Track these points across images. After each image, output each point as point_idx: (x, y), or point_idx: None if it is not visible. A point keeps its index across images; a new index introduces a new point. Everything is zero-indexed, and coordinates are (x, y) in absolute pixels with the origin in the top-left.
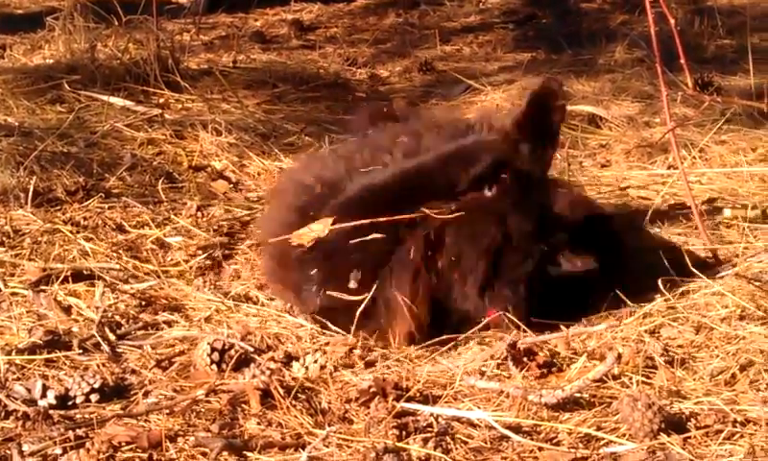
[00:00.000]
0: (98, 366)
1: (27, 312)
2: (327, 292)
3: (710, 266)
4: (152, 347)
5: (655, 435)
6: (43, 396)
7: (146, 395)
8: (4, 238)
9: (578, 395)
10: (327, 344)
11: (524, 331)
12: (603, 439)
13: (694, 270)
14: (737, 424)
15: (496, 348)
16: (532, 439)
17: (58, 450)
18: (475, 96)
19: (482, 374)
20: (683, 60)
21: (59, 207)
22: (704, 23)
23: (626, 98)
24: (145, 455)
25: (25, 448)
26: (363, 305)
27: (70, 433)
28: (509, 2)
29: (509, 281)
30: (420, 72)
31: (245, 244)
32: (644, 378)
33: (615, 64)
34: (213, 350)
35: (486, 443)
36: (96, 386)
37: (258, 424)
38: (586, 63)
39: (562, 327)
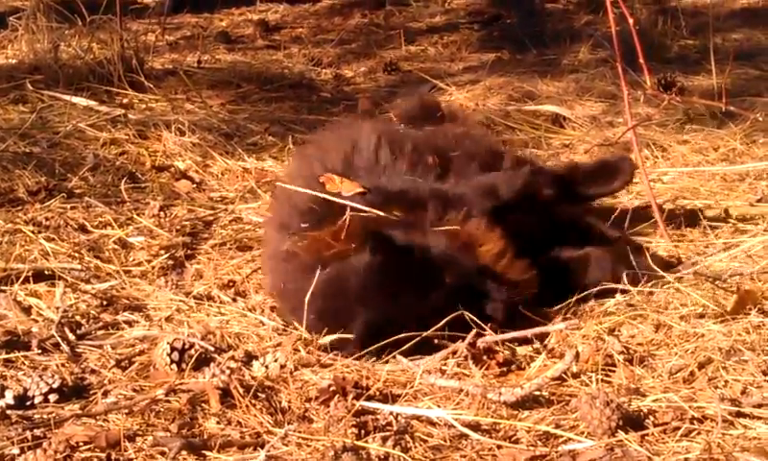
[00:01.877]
0: (57, 366)
1: None
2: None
3: (671, 264)
4: (112, 347)
5: (613, 432)
6: (1, 396)
7: (105, 394)
8: None
9: (537, 393)
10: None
11: (484, 330)
12: (562, 437)
13: (655, 268)
14: (695, 422)
15: (456, 347)
16: (491, 437)
17: (15, 450)
18: (440, 96)
19: (442, 372)
20: (641, 60)
21: (20, 208)
22: (667, 23)
23: (590, 98)
24: (103, 455)
25: None
26: None
27: (28, 433)
28: (474, 2)
29: None
30: (385, 72)
31: (208, 244)
32: (603, 376)
33: (579, 64)
34: (173, 349)
35: (445, 441)
36: (55, 386)
37: (218, 423)
38: (550, 63)
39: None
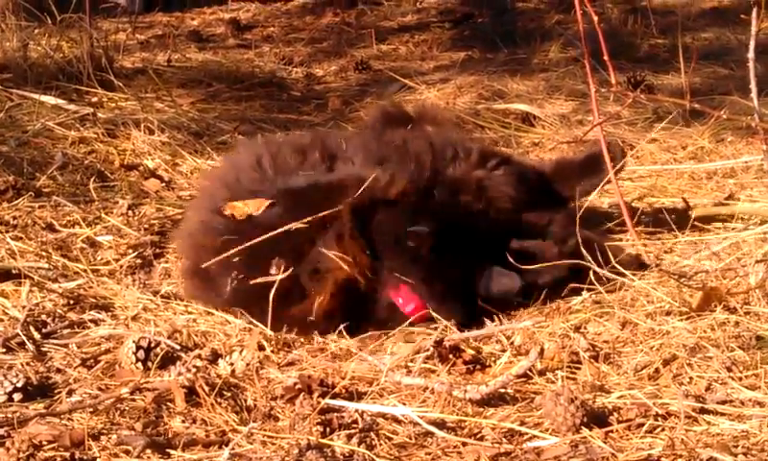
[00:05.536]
0: (22, 365)
1: None
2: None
3: (638, 262)
4: (77, 345)
5: (577, 429)
6: None
7: (70, 393)
8: None
9: (503, 390)
10: (242, 340)
11: (450, 328)
12: (526, 434)
13: (618, 267)
14: (659, 418)
15: (423, 344)
16: (456, 434)
17: None
18: (410, 95)
19: (408, 370)
20: (606, 57)
21: None
22: (637, 22)
23: (559, 96)
24: (67, 454)
25: None
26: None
27: None
28: (446, 1)
29: None
30: (356, 71)
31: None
32: (569, 374)
33: (550, 63)
34: (139, 348)
35: (410, 439)
36: (19, 385)
37: (183, 422)
38: (520, 62)
39: (488, 323)
